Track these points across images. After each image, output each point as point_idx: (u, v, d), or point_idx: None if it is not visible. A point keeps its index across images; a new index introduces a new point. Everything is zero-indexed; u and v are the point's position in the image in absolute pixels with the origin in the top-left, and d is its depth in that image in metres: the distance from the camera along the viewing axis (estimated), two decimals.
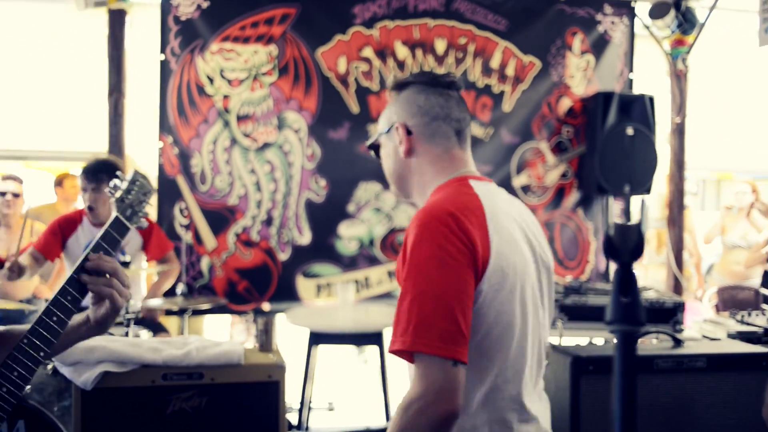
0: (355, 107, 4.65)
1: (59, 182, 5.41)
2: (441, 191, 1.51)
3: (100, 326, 1.53)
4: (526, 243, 1.47)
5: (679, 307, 3.55)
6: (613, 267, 3.89)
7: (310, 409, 4.04)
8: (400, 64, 4.71)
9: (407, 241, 1.39)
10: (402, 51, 4.73)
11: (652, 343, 2.54)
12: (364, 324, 3.89)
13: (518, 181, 4.92)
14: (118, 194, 1.66)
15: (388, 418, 3.82)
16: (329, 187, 4.60)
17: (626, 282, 0.63)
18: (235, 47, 4.49)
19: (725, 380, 2.30)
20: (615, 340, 0.63)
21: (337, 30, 4.63)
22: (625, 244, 0.64)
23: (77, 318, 1.54)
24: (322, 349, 3.99)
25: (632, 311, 0.62)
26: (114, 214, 1.64)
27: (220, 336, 5.62)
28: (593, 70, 5.06)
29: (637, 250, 0.63)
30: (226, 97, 4.48)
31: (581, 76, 5.04)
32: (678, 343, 2.41)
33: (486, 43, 4.86)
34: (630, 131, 4.70)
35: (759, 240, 5.63)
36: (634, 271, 0.64)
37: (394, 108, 1.64)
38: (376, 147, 1.72)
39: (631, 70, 5.15)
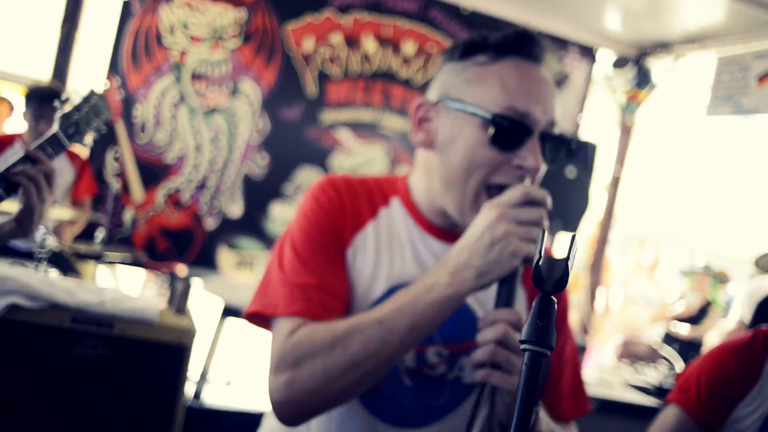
0: (313, 89, 4.61)
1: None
2: None
3: (17, 223, 1.51)
4: None
5: (581, 352, 3.66)
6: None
7: (206, 381, 3.98)
8: (366, 57, 4.71)
9: (568, 298, 1.38)
10: (371, 45, 4.72)
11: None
12: None
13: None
14: (66, 109, 1.61)
15: None
16: (271, 165, 4.55)
17: (545, 309, 0.66)
18: (203, 4, 4.38)
19: (610, 425, 2.38)
20: (524, 359, 0.66)
21: (310, 8, 4.58)
22: (551, 276, 0.67)
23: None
24: (231, 323, 3.93)
25: (545, 335, 0.65)
26: (54, 129, 1.60)
27: (132, 290, 5.47)
28: None
29: (560, 283, 0.67)
30: (183, 52, 4.38)
31: None
32: None
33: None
34: (571, 175, 4.82)
35: (664, 297, 5.89)
36: (553, 301, 0.67)
37: None
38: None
39: (581, 112, 5.29)
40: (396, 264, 1.25)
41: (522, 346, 0.67)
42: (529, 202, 1.08)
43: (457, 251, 1.10)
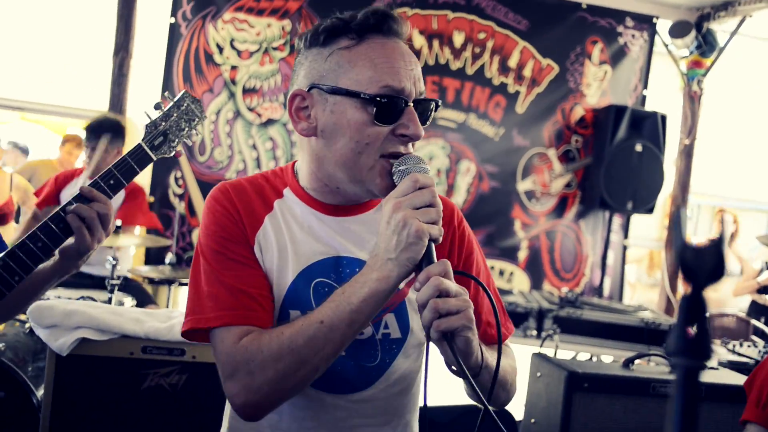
0: None
1: (64, 142, 5.29)
2: None
3: (63, 259, 1.51)
4: None
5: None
6: (608, 283, 3.80)
7: None
8: (416, 53, 4.60)
9: (467, 233, 1.43)
10: (418, 40, 4.64)
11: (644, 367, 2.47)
12: None
13: (522, 186, 4.84)
14: (153, 116, 1.57)
15: None
16: None
17: (695, 309, 0.55)
18: (248, 18, 4.38)
19: (719, 410, 2.23)
20: (675, 375, 0.55)
21: (354, 9, 4.50)
22: (702, 267, 0.55)
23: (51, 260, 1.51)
24: None
25: (699, 344, 0.54)
26: (138, 141, 1.56)
27: None
28: (609, 81, 4.98)
29: (714, 276, 0.55)
30: (234, 68, 4.38)
31: (597, 85, 4.96)
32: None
33: (505, 41, 4.77)
34: (639, 148, 4.63)
35: (746, 268, 5.61)
36: (704, 298, 0.56)
37: None
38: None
39: (645, 87, 5.08)
40: (300, 248, 1.32)
41: (671, 361, 0.57)
42: (420, 187, 1.16)
43: (377, 247, 1.18)
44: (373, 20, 1.25)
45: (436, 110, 1.34)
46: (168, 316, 2.16)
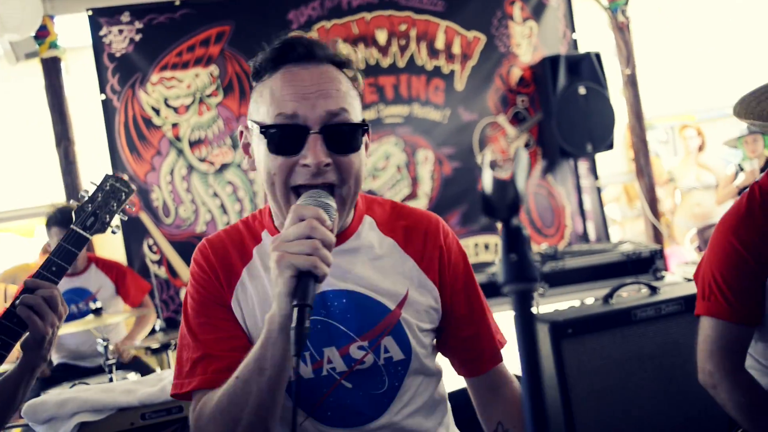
0: None
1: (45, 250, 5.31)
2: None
3: (26, 353, 1.55)
4: None
5: (656, 255, 3.53)
6: (591, 227, 3.85)
7: None
8: (346, 63, 4.66)
9: (453, 247, 1.43)
10: (344, 48, 4.67)
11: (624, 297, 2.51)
12: None
13: (483, 159, 4.90)
14: (81, 202, 1.65)
15: None
16: None
17: (512, 239, 0.60)
18: (175, 74, 4.43)
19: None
20: (511, 301, 0.60)
21: (275, 38, 4.56)
22: (503, 201, 0.60)
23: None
24: None
25: (523, 269, 0.59)
26: (70, 227, 1.63)
27: None
28: (537, 36, 5.05)
29: (514, 205, 0.60)
30: (175, 125, 4.43)
31: (527, 43, 5.02)
32: (654, 290, 2.39)
33: (427, 25, 4.83)
34: (582, 90, 4.70)
35: (720, 176, 5.68)
36: (518, 226, 0.60)
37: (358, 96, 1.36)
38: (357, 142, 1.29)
39: (573, 31, 5.14)
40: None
41: (504, 289, 0.62)
42: (299, 219, 1.12)
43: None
44: (278, 51, 1.25)
45: (363, 132, 1.26)
46: (158, 379, 2.20)
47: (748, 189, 1.80)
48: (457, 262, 1.43)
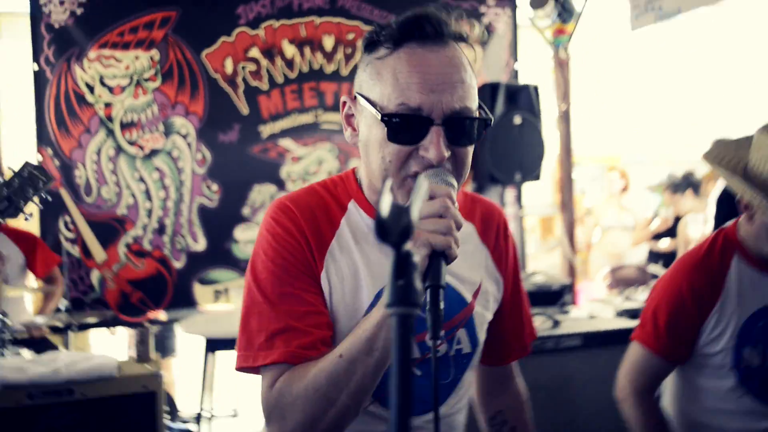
0: (244, 108, 4.58)
1: None
2: None
3: None
4: None
5: (565, 289, 3.65)
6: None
7: (212, 417, 3.96)
8: (289, 63, 4.68)
9: (515, 251, 1.44)
10: (289, 49, 4.70)
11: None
12: None
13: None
14: None
15: None
16: (222, 191, 4.52)
17: (400, 264, 0.63)
18: (114, 53, 4.35)
19: (599, 356, 2.38)
20: (393, 324, 0.63)
21: (222, 31, 4.55)
22: (396, 226, 0.64)
23: None
24: (223, 355, 3.92)
25: (407, 293, 0.62)
26: None
27: (115, 351, 5.47)
28: (481, 60, 5.16)
29: (405, 232, 0.64)
30: (108, 105, 4.34)
31: None
32: (556, 323, 2.48)
33: None
34: (518, 120, 4.82)
35: (638, 219, 5.92)
36: (408, 252, 0.64)
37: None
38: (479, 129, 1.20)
39: (516, 60, 5.29)
40: (375, 268, 1.23)
41: (389, 311, 0.65)
42: (430, 197, 1.06)
43: None
44: (406, 26, 1.17)
45: (485, 127, 1.19)
46: (51, 360, 2.16)
47: (713, 235, 1.90)
48: (514, 253, 1.45)
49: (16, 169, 1.70)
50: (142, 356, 2.26)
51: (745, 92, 6.98)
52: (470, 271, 1.32)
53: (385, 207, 0.65)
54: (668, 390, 1.96)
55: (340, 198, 1.28)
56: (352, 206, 1.27)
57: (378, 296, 1.21)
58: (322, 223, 1.24)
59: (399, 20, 1.18)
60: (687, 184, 5.35)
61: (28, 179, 1.70)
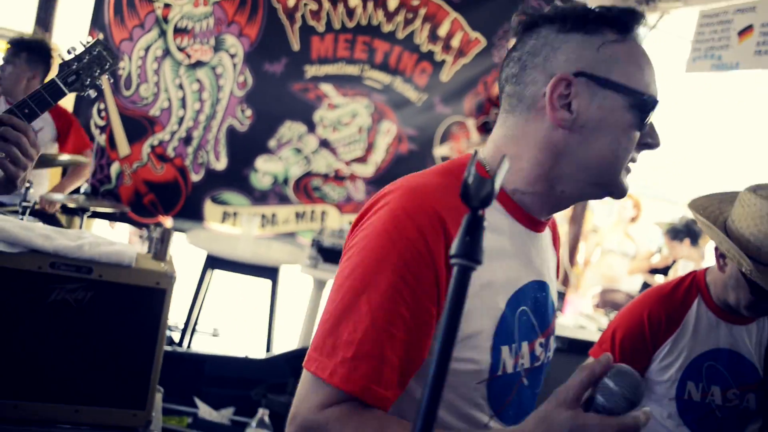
0: (296, 44, 4.63)
1: None
2: None
3: None
4: None
5: (558, 296, 3.76)
6: None
7: (194, 331, 4.08)
8: (350, 12, 4.71)
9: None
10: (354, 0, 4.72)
11: None
12: (262, 257, 3.94)
13: (439, 151, 5.03)
14: (66, 57, 1.67)
15: (268, 350, 3.91)
16: (254, 118, 4.59)
17: (473, 225, 0.72)
18: None
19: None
20: (455, 272, 0.72)
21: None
22: (478, 193, 0.72)
23: None
24: (218, 276, 4.02)
25: (473, 249, 0.71)
26: (52, 77, 1.65)
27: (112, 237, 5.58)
28: None
29: (486, 200, 0.72)
30: (167, 6, 4.38)
31: None
32: None
33: (437, 10, 4.90)
34: None
35: (640, 250, 6.00)
36: (481, 217, 0.72)
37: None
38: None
39: None
40: (511, 272, 1.14)
41: (452, 261, 0.73)
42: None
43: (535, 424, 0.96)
44: (633, 17, 1.15)
45: None
46: (78, 236, 2.24)
47: (686, 275, 2.04)
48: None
49: (87, 45, 1.74)
50: (159, 254, 2.34)
51: None
52: (551, 274, 1.31)
53: (471, 176, 0.74)
54: None
55: None
56: (494, 208, 1.14)
57: (511, 301, 1.12)
58: (454, 229, 1.02)
59: (624, 11, 1.15)
60: (686, 232, 5.43)
61: (97, 57, 1.74)
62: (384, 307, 1.01)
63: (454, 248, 0.73)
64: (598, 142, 1.11)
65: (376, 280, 1.02)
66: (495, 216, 1.14)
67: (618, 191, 1.15)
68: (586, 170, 1.13)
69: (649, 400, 1.98)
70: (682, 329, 1.93)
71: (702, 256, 5.52)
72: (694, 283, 1.99)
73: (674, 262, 5.51)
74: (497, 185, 0.75)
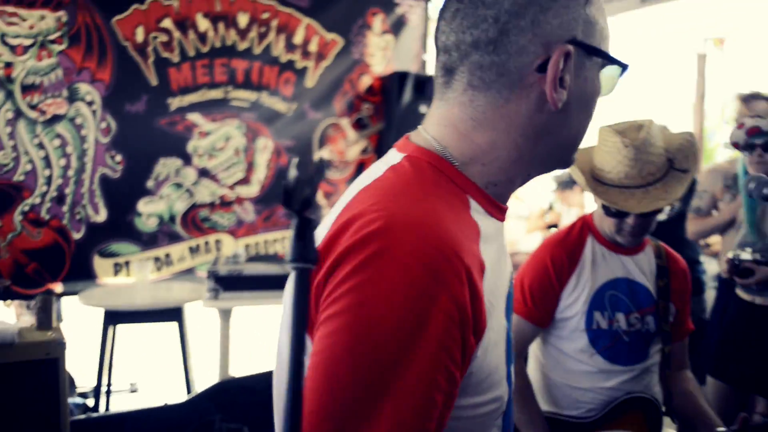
0: (153, 79, 4.52)
1: None
2: None
3: None
4: None
5: None
6: None
7: (110, 391, 3.93)
8: (201, 37, 4.64)
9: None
10: (203, 23, 4.66)
11: None
12: (165, 300, 3.84)
13: (320, 156, 5.04)
14: None
15: (189, 391, 3.82)
16: (126, 163, 4.45)
17: (303, 228, 0.72)
18: (18, 11, 4.18)
19: None
20: (293, 276, 0.72)
21: None
22: (299, 195, 0.73)
23: None
24: (123, 330, 3.88)
25: (307, 252, 0.71)
26: None
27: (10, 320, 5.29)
28: (392, 50, 5.28)
29: (307, 202, 0.73)
30: (8, 65, 4.18)
31: (381, 55, 5.24)
32: None
33: (289, 19, 4.90)
34: (423, 109, 4.98)
35: (533, 210, 6.23)
36: (309, 218, 0.73)
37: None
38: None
39: (425, 51, 5.44)
40: (500, 275, 0.96)
41: (291, 266, 0.73)
42: None
43: None
44: None
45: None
46: None
47: (578, 218, 2.24)
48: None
49: None
50: (43, 324, 2.24)
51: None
52: None
53: (292, 179, 0.74)
54: (532, 357, 2.20)
55: (454, 202, 0.91)
56: (473, 203, 0.95)
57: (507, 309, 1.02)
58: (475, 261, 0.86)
59: None
60: (573, 180, 5.67)
61: None
62: (417, 385, 0.75)
63: (290, 254, 0.73)
64: (578, 118, 0.96)
65: (400, 372, 0.74)
66: (484, 223, 0.94)
67: (571, 163, 1.03)
68: (561, 149, 0.98)
69: (561, 339, 2.11)
70: (581, 266, 2.10)
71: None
72: (585, 224, 2.18)
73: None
74: (315, 184, 0.75)
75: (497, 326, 0.90)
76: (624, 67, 0.97)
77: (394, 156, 0.98)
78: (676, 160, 1.95)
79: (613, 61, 0.96)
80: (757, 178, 1.70)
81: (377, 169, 0.96)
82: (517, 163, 0.96)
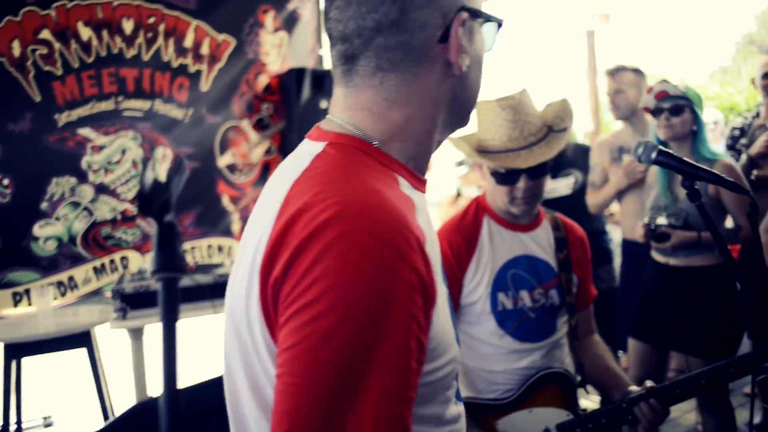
0: (36, 95, 4.28)
1: None
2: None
3: None
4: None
5: None
6: None
7: (20, 429, 3.71)
8: (85, 46, 4.43)
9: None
10: (85, 32, 4.44)
11: None
12: (68, 326, 3.64)
13: (223, 161, 4.92)
14: None
15: (106, 418, 3.65)
16: (14, 186, 4.19)
17: (164, 235, 0.67)
18: None
19: None
20: (160, 287, 0.67)
21: (7, 11, 4.20)
22: (157, 200, 0.67)
23: None
24: (29, 362, 3.67)
25: (171, 260, 0.66)
26: None
27: None
28: (287, 47, 5.20)
29: (165, 207, 0.68)
30: None
31: (276, 53, 5.15)
32: None
33: (177, 22, 4.75)
34: (324, 104, 4.93)
35: (443, 197, 6.30)
36: (171, 222, 0.68)
37: None
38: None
39: (321, 46, 5.38)
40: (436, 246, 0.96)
41: (158, 276, 0.68)
42: None
43: None
44: None
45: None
46: None
47: (471, 201, 2.20)
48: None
49: None
50: None
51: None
52: None
53: (148, 182, 0.69)
54: None
55: (386, 178, 0.92)
56: (401, 180, 0.96)
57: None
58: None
59: None
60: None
61: None
62: (396, 376, 0.77)
63: (154, 264, 0.67)
64: (475, 79, 1.01)
65: (378, 346, 0.76)
66: (414, 196, 0.94)
67: (468, 120, 1.06)
68: (464, 108, 1.02)
69: (470, 324, 2.08)
70: (479, 248, 2.07)
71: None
72: (478, 205, 2.15)
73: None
74: (174, 188, 0.70)
75: (441, 291, 0.90)
76: (500, 23, 1.02)
77: (312, 146, 0.96)
78: (554, 124, 2.01)
79: (492, 19, 1.00)
80: (644, 143, 1.74)
81: (299, 161, 0.94)
82: (431, 133, 0.99)
